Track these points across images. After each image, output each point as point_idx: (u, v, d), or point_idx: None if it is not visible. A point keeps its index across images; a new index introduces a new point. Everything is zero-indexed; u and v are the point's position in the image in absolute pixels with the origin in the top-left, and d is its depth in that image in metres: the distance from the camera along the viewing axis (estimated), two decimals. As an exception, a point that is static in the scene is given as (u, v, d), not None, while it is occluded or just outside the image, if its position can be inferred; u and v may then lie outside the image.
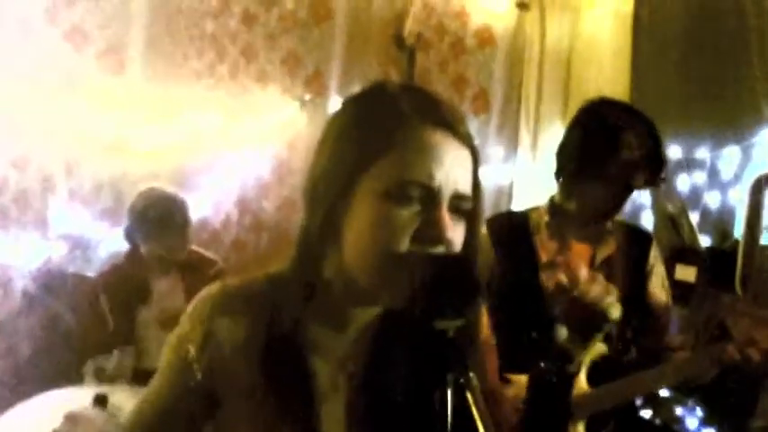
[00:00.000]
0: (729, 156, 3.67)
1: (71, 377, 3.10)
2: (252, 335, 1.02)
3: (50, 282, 3.25)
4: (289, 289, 1.04)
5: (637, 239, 2.29)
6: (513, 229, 2.22)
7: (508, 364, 2.05)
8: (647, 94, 3.90)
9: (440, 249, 0.96)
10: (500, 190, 4.25)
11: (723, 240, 3.64)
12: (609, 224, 2.22)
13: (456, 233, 0.98)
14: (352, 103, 1.06)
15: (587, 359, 2.08)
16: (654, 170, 2.12)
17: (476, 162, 1.02)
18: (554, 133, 4.25)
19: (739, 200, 3.57)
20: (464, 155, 1.00)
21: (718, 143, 3.68)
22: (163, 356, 1.11)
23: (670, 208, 3.73)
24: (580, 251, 2.20)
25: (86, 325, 3.02)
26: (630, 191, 2.13)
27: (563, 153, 2.24)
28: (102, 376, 2.69)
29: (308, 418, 1.01)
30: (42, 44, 3.23)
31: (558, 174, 2.24)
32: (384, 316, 1.07)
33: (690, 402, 3.04)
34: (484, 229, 2.17)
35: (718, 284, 3.17)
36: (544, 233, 2.21)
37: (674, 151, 3.74)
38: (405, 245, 0.95)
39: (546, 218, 2.22)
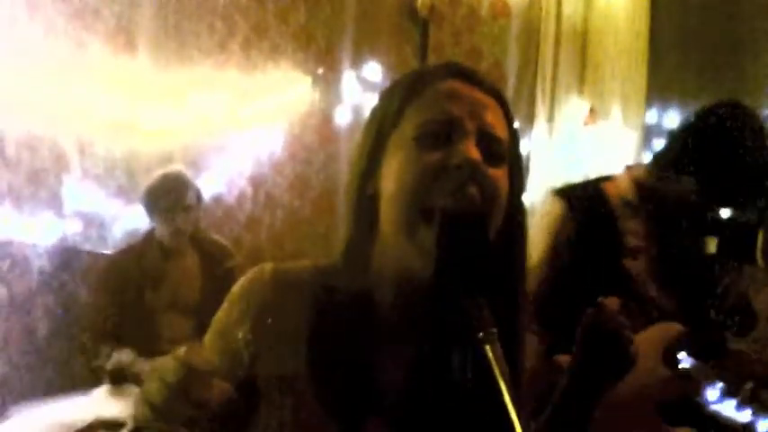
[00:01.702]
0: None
1: (88, 357, 3.12)
2: (300, 323, 0.99)
3: (66, 259, 3.25)
4: (336, 279, 1.01)
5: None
6: (594, 205, 2.05)
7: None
8: (664, 66, 3.83)
9: (472, 189, 0.92)
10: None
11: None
12: None
13: (495, 174, 0.94)
14: (387, 86, 1.08)
15: (661, 342, 2.00)
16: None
17: (507, 113, 1.01)
18: (570, 107, 4.20)
19: (760, 170, 3.51)
20: (490, 102, 0.99)
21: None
22: (207, 342, 1.04)
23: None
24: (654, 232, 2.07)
25: (98, 305, 3.03)
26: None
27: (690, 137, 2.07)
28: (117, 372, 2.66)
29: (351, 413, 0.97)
30: (52, 23, 3.21)
31: (669, 155, 2.08)
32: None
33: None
34: (559, 200, 2.06)
35: (740, 256, 3.12)
36: (626, 212, 2.05)
37: (691, 121, 3.70)
38: (434, 190, 0.92)
39: (628, 195, 2.05)
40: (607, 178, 2.14)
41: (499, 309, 0.86)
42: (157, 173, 3.04)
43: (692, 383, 2.04)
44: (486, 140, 0.95)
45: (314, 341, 0.98)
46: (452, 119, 0.94)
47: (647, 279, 2.07)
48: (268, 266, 1.05)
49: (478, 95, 0.98)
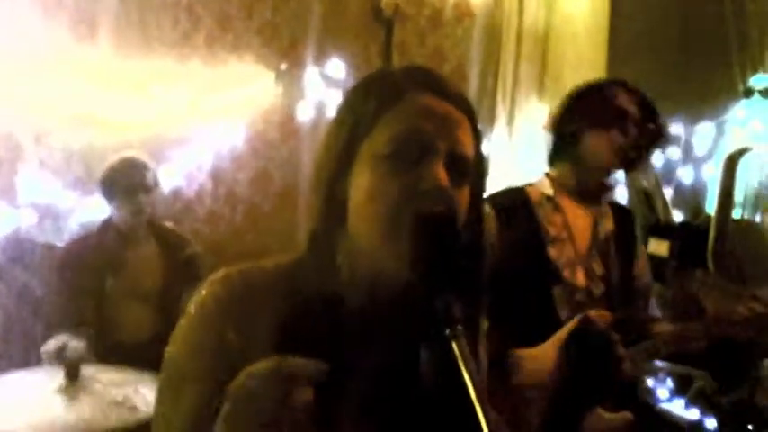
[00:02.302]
0: (703, 132, 3.71)
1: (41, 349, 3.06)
2: (268, 325, 0.98)
3: (19, 252, 3.20)
4: (303, 277, 1.02)
5: (622, 217, 2.32)
6: (516, 205, 2.21)
7: (517, 341, 2.05)
8: (623, 71, 3.91)
9: (438, 207, 0.94)
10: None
11: (696, 216, 3.69)
12: (605, 200, 2.26)
13: (458, 195, 0.98)
14: (353, 86, 1.09)
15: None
16: (648, 125, 2.17)
17: (475, 128, 1.03)
18: (530, 109, 4.25)
19: (712, 176, 3.61)
20: (460, 118, 1.01)
21: (693, 119, 3.72)
22: (181, 353, 1.01)
23: (644, 183, 3.76)
24: (583, 225, 2.22)
25: (55, 295, 2.97)
26: (625, 150, 2.13)
27: (558, 120, 2.27)
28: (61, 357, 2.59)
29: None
30: (12, 11, 3.15)
31: (557, 143, 2.26)
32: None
33: (660, 374, 3.08)
34: (487, 209, 2.18)
35: (691, 259, 3.21)
36: (547, 207, 2.21)
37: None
38: (403, 203, 0.94)
39: (549, 191, 2.22)
40: (530, 184, 2.31)
41: (463, 306, 0.88)
42: (112, 159, 3.00)
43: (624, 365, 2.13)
44: (455, 160, 0.98)
45: (283, 344, 0.96)
46: (425, 139, 0.97)
47: (575, 266, 2.17)
48: (232, 270, 1.04)
49: (452, 112, 1.00)
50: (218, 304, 1.00)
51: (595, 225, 2.23)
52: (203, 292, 1.02)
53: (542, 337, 2.08)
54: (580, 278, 2.18)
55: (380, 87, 1.02)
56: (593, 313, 2.08)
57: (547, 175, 2.26)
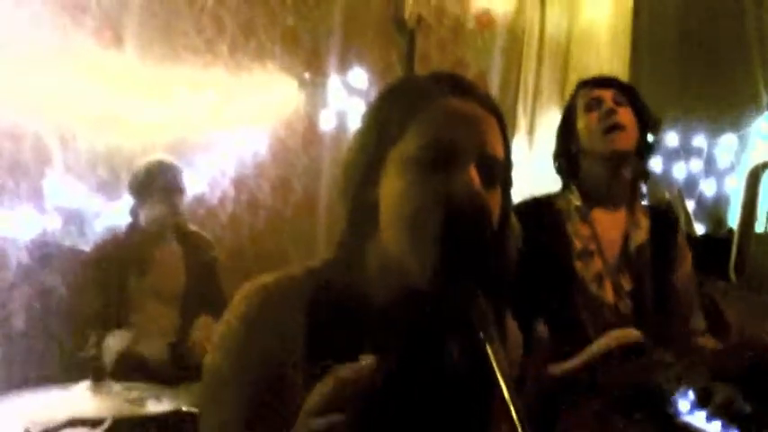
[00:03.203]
0: (726, 144, 3.69)
1: (65, 349, 3.10)
2: (297, 330, 1.00)
3: (45, 254, 3.23)
4: (334, 282, 1.03)
5: (662, 223, 2.23)
6: (544, 215, 2.15)
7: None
8: (645, 81, 3.91)
9: (472, 209, 0.94)
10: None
11: (718, 228, 3.67)
12: (640, 209, 2.18)
13: (490, 196, 0.97)
14: (380, 93, 1.09)
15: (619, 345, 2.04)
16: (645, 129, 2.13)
17: (503, 129, 1.03)
18: (551, 119, 4.25)
19: (735, 188, 3.60)
20: (490, 120, 1.01)
21: (716, 131, 3.71)
22: (223, 376, 1.02)
23: (666, 195, 3.75)
24: (614, 237, 2.16)
25: (81, 297, 3.01)
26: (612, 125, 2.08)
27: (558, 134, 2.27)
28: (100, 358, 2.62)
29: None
30: (38, 15, 3.19)
31: (561, 156, 2.25)
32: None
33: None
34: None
35: (714, 272, 3.20)
36: (575, 218, 2.15)
37: (671, 138, 3.77)
38: (435, 207, 0.94)
39: (577, 201, 2.16)
40: (561, 192, 2.24)
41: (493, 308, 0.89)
42: (145, 160, 3.04)
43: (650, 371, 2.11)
44: (486, 163, 0.98)
45: (318, 349, 0.99)
46: (456, 142, 0.96)
47: (603, 281, 2.13)
48: (268, 280, 1.05)
49: (480, 113, 1.00)
50: (260, 314, 1.01)
51: (626, 237, 2.16)
52: (243, 302, 1.03)
53: (568, 350, 2.07)
54: (608, 294, 2.12)
55: (407, 93, 1.03)
56: (619, 333, 2.06)
57: (575, 184, 2.20)
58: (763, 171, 3.22)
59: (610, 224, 2.16)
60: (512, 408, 0.81)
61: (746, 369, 2.04)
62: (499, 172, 1.00)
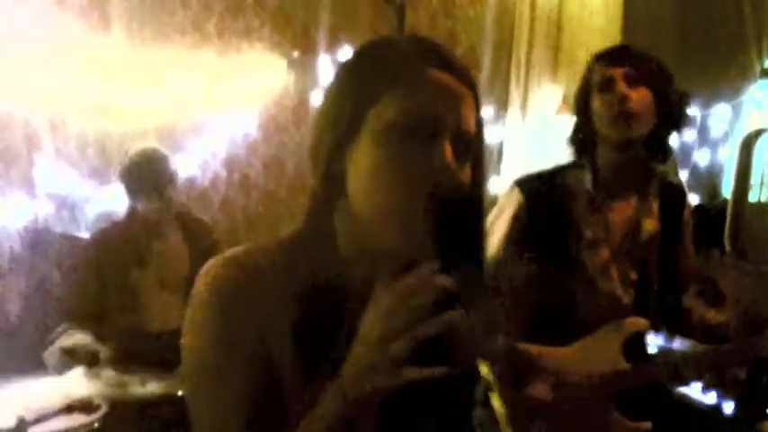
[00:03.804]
0: (719, 113, 3.68)
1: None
2: (272, 307, 0.98)
3: (37, 241, 3.22)
4: (304, 252, 1.01)
5: (672, 197, 2.14)
6: (552, 198, 2.05)
7: (527, 337, 2.02)
8: (637, 52, 3.88)
9: (451, 187, 0.93)
10: (489, 149, 4.23)
11: (712, 198, 3.67)
12: (652, 194, 2.08)
13: (463, 172, 0.97)
14: (354, 54, 1.05)
15: (624, 334, 1.99)
16: (668, 107, 1.98)
17: (478, 106, 1.02)
18: (544, 93, 4.23)
19: (728, 158, 3.59)
20: (466, 93, 0.99)
21: (709, 101, 3.69)
22: (208, 357, 0.98)
23: (660, 166, 3.73)
24: (624, 223, 2.07)
25: (78, 285, 3.00)
26: (627, 113, 1.93)
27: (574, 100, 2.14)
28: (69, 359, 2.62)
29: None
30: (27, 2, 3.16)
31: (577, 134, 2.12)
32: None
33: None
34: (518, 195, 2.07)
35: (708, 242, 3.19)
36: (585, 204, 2.04)
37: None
38: (411, 179, 0.93)
39: (588, 186, 2.05)
40: (571, 167, 2.12)
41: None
42: (134, 151, 3.01)
43: (658, 371, 2.09)
44: (461, 137, 0.97)
45: (294, 320, 0.97)
46: (436, 116, 0.95)
47: (608, 271, 2.09)
48: (237, 252, 1.02)
49: (459, 88, 0.98)
50: (234, 289, 0.98)
51: (637, 225, 2.07)
52: (211, 277, 1.00)
53: (558, 336, 2.05)
54: (612, 284, 2.06)
55: (386, 57, 1.00)
56: (631, 321, 2.03)
57: (588, 165, 2.06)
58: (755, 139, 3.21)
59: (620, 211, 2.07)
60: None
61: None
62: (471, 148, 0.99)
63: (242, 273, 0.99)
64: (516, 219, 2.06)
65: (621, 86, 1.94)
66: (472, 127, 0.99)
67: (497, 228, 2.08)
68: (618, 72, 1.97)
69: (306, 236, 1.03)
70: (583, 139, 2.07)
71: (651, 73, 1.98)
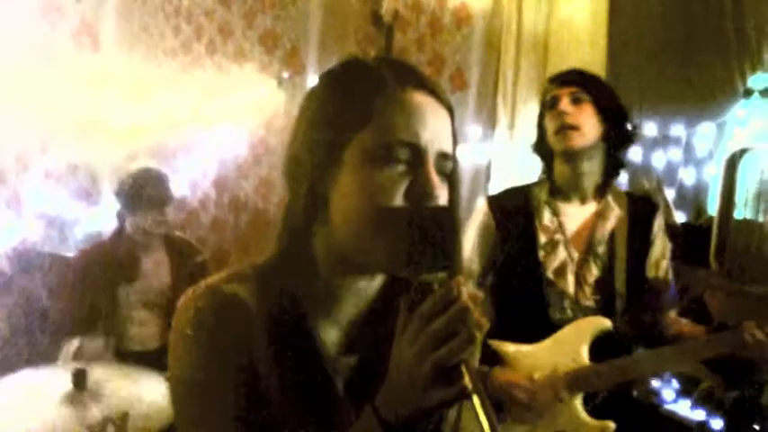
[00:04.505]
0: (704, 132, 3.72)
1: (48, 358, 3.07)
2: (251, 338, 0.99)
3: (26, 261, 3.21)
4: (280, 276, 1.02)
5: (641, 211, 2.27)
6: (514, 208, 2.24)
7: (502, 339, 2.12)
8: (624, 72, 3.92)
9: (437, 210, 0.96)
10: (477, 169, 4.26)
11: (698, 216, 3.70)
12: (610, 198, 2.22)
13: (442, 193, 0.99)
14: (328, 77, 1.06)
15: (588, 333, 2.09)
16: (613, 122, 2.16)
17: (453, 123, 1.04)
18: (531, 113, 4.27)
19: (714, 176, 3.62)
20: (444, 115, 1.01)
21: (694, 120, 3.73)
22: (200, 385, 0.99)
23: (646, 185, 3.77)
24: (581, 228, 2.22)
25: (65, 304, 2.99)
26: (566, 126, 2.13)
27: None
28: (80, 357, 2.64)
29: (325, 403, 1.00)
30: (17, 21, 3.17)
31: (536, 150, 2.32)
32: (381, 290, 1.07)
33: (665, 375, 3.08)
34: (485, 208, 2.27)
35: (694, 260, 3.22)
36: (544, 210, 2.22)
37: (649, 128, 3.80)
38: (398, 205, 0.95)
39: (544, 195, 2.24)
40: (536, 183, 2.31)
41: None
42: (134, 168, 3.01)
43: (624, 372, 2.14)
44: (442, 160, 0.99)
45: (273, 340, 0.99)
46: (419, 143, 0.96)
47: (566, 272, 2.18)
48: (215, 282, 1.02)
49: (439, 111, 1.00)
50: (215, 320, 0.99)
51: (593, 228, 2.21)
52: (192, 310, 1.00)
53: (535, 338, 2.13)
54: (569, 285, 2.19)
55: (365, 86, 1.00)
56: (590, 320, 2.10)
57: (547, 177, 2.27)
58: (740, 158, 3.25)
59: (577, 217, 2.22)
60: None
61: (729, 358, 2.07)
62: (450, 168, 1.01)
63: (221, 303, 1.00)
64: (482, 228, 2.27)
65: (564, 103, 2.15)
66: (450, 147, 1.01)
67: (468, 237, 2.29)
68: (563, 92, 2.17)
69: (287, 261, 1.03)
70: (542, 154, 2.28)
71: (595, 91, 2.18)
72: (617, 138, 2.19)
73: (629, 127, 2.21)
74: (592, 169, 2.20)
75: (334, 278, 1.03)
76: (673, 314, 2.29)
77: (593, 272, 2.18)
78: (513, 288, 2.21)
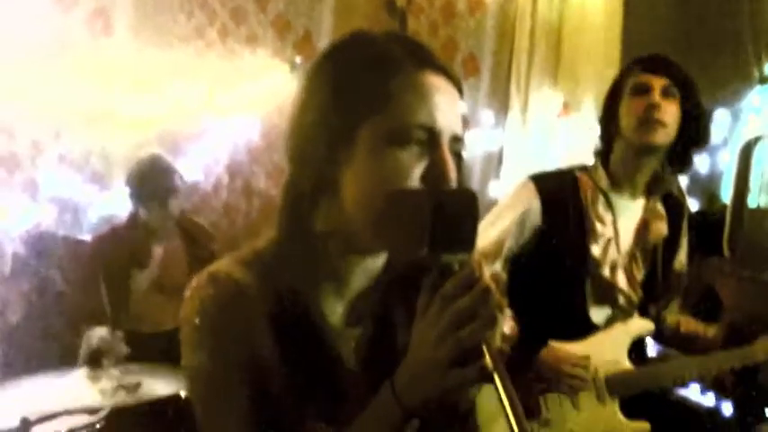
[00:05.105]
0: (719, 119, 3.69)
1: (63, 341, 3.11)
2: (256, 324, 0.98)
3: (41, 245, 3.24)
4: (282, 259, 1.01)
5: (673, 210, 2.23)
6: (565, 193, 2.14)
7: (528, 329, 2.07)
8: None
9: (460, 192, 0.96)
10: (490, 154, 4.25)
11: (711, 204, 3.68)
12: (656, 198, 2.16)
13: (456, 175, 0.98)
14: (337, 53, 1.04)
15: (632, 336, 2.07)
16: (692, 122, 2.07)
17: (460, 102, 1.04)
18: (544, 98, 4.25)
19: (728, 163, 3.60)
20: (456, 97, 1.01)
21: (708, 107, 3.70)
22: (214, 374, 1.00)
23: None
24: (632, 226, 2.16)
25: (80, 289, 3.02)
26: (655, 120, 2.03)
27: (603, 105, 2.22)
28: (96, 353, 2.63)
29: (331, 389, 1.00)
30: (30, 7, 3.18)
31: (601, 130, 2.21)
32: (389, 268, 1.07)
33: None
34: (532, 188, 2.15)
35: (707, 248, 3.20)
36: (598, 202, 2.13)
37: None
38: (418, 189, 0.95)
39: (603, 184, 2.14)
40: (585, 167, 2.21)
41: None
42: (140, 158, 3.04)
43: (665, 379, 2.13)
44: (454, 143, 0.99)
45: (279, 330, 0.99)
46: (434, 128, 0.96)
47: (617, 268, 2.14)
48: (218, 270, 1.02)
49: (451, 93, 1.00)
50: (218, 308, 0.99)
51: (644, 227, 2.15)
52: (197, 300, 1.01)
53: (566, 332, 2.08)
54: (621, 281, 2.13)
55: (379, 65, 0.98)
56: (640, 323, 2.08)
57: (602, 164, 2.17)
58: (754, 146, 3.22)
59: (629, 211, 2.16)
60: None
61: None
62: (461, 148, 1.01)
63: (223, 290, 1.00)
64: (524, 209, 2.13)
65: (656, 95, 2.03)
66: (461, 130, 1.00)
67: (504, 216, 2.15)
68: (655, 81, 2.05)
69: (285, 243, 1.03)
70: (605, 137, 2.15)
71: (684, 88, 2.07)
72: (692, 138, 2.11)
73: (705, 130, 2.13)
74: (652, 165, 2.12)
75: (339, 259, 1.03)
76: (676, 308, 2.28)
77: (641, 270, 2.14)
78: (550, 278, 2.10)
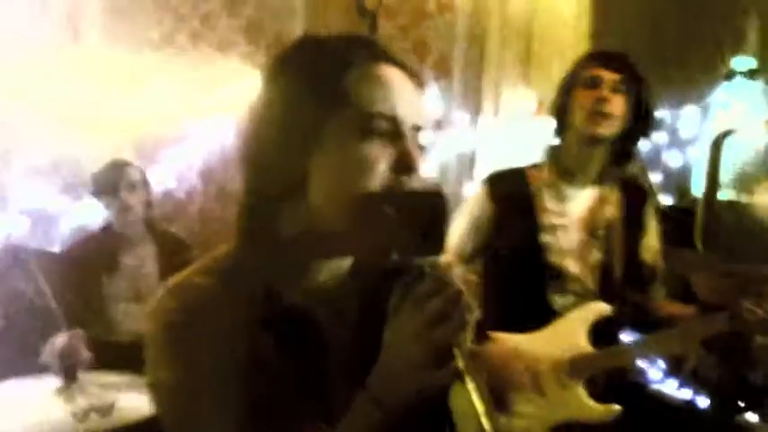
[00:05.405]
0: (688, 115, 3.74)
1: (37, 353, 3.06)
2: (227, 328, 0.96)
3: (12, 257, 3.19)
4: (246, 263, 1.00)
5: (634, 196, 2.29)
6: (513, 190, 2.22)
7: (499, 324, 2.10)
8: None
9: (414, 181, 0.96)
10: (463, 156, 4.26)
11: (682, 198, 3.73)
12: (609, 186, 2.23)
13: (422, 165, 0.99)
14: (288, 59, 1.03)
15: (590, 319, 2.10)
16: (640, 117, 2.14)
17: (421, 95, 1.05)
18: (516, 99, 4.27)
19: (698, 158, 3.65)
20: (414, 89, 1.02)
21: (678, 103, 3.75)
22: (186, 386, 0.96)
23: (631, 168, 3.79)
24: (583, 212, 2.21)
25: (52, 297, 2.98)
26: (602, 114, 2.10)
27: (553, 101, 2.29)
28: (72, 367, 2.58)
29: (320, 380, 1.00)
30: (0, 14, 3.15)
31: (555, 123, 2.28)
32: (357, 270, 1.07)
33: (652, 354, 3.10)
34: (483, 189, 2.25)
35: (680, 242, 3.24)
36: (546, 193, 2.21)
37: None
38: (378, 179, 0.95)
39: (549, 176, 2.22)
40: (533, 165, 2.29)
41: None
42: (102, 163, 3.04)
43: (625, 357, 2.16)
44: (416, 132, 1.00)
45: (253, 330, 0.97)
46: (396, 118, 0.97)
47: (568, 255, 2.18)
48: (182, 279, 1.01)
49: (409, 84, 1.01)
50: (184, 317, 0.97)
51: (595, 211, 2.21)
52: (161, 313, 0.98)
53: (533, 322, 2.12)
54: (573, 268, 2.18)
55: (335, 64, 0.98)
56: (595, 306, 2.11)
57: (551, 156, 2.25)
58: (723, 140, 3.27)
59: (579, 199, 2.22)
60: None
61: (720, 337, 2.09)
62: (423, 140, 1.02)
63: (189, 298, 0.98)
64: (478, 209, 2.25)
65: (606, 89, 2.10)
66: (422, 121, 1.01)
67: (461, 221, 2.26)
68: (606, 75, 2.12)
69: (248, 247, 1.02)
70: (558, 123, 2.23)
71: (635, 84, 2.14)
72: (637, 131, 2.18)
73: (650, 124, 2.20)
74: (601, 154, 2.19)
75: (307, 259, 1.03)
76: (661, 295, 2.31)
77: (595, 255, 2.19)
78: (511, 273, 2.18)
